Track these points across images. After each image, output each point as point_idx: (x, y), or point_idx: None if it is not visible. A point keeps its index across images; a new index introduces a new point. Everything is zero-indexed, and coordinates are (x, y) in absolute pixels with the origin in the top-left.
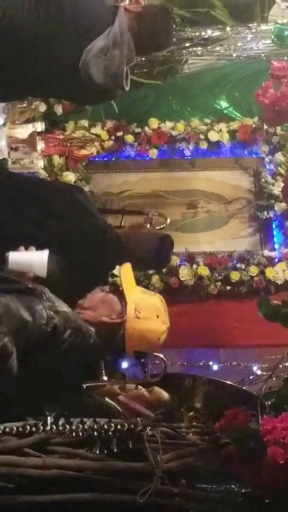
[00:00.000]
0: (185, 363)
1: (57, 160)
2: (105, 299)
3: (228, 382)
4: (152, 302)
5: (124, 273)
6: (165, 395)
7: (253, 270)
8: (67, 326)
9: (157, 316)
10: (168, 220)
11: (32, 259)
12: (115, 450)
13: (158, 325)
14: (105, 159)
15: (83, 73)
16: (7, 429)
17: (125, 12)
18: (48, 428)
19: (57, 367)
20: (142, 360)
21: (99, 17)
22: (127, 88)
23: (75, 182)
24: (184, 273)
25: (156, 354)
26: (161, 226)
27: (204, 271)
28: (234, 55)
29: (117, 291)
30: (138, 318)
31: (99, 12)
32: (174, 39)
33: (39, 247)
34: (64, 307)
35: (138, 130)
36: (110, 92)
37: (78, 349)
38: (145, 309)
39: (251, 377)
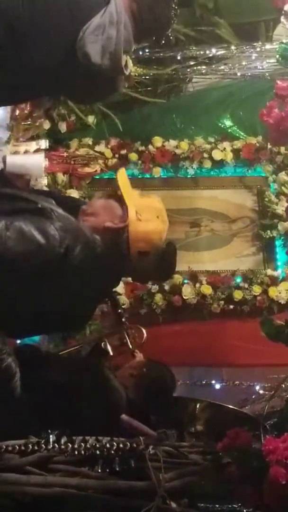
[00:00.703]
0: (188, 382)
1: (61, 177)
2: (107, 205)
3: (230, 406)
4: (151, 203)
5: (121, 178)
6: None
7: (256, 289)
8: (78, 242)
9: (157, 217)
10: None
11: (29, 161)
12: (117, 469)
13: (159, 225)
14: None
15: (80, 53)
16: (9, 447)
17: None
18: (50, 446)
19: (72, 287)
20: None
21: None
22: (126, 73)
23: None
24: (187, 292)
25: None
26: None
27: (207, 290)
28: (239, 74)
29: (117, 196)
30: (139, 220)
31: None
32: (174, 22)
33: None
34: (72, 220)
35: (142, 148)
36: (112, 80)
37: (88, 262)
38: (145, 211)
39: (253, 397)
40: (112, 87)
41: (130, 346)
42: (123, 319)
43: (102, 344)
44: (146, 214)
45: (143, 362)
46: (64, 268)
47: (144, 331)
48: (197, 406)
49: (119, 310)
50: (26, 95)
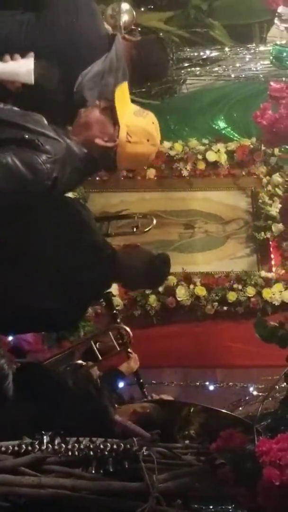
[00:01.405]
0: (182, 383)
1: None
2: (100, 119)
3: (223, 411)
4: (143, 126)
5: (120, 93)
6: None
7: (250, 291)
8: (65, 171)
9: (148, 140)
10: (154, 221)
11: (18, 66)
12: (111, 470)
13: (148, 148)
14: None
15: (78, 96)
16: (3, 448)
17: (124, 41)
18: (44, 447)
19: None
20: None
21: (95, 46)
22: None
23: None
24: (181, 293)
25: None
26: (148, 228)
27: (201, 291)
28: (233, 75)
29: (110, 112)
30: (129, 142)
31: (94, 41)
32: (170, 70)
33: (35, 259)
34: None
35: None
36: None
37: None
38: (136, 134)
39: (247, 398)
40: None
41: (118, 348)
42: (118, 320)
43: (97, 344)
44: (136, 136)
45: (150, 405)
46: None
47: (129, 330)
48: (191, 411)
49: (114, 311)
50: None
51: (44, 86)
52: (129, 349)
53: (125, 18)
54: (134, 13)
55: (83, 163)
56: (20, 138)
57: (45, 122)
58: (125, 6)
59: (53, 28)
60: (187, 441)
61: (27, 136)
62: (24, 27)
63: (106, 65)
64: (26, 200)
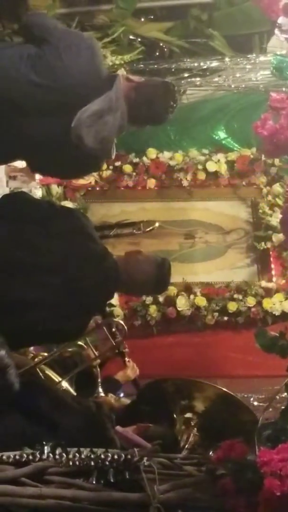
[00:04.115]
0: None
1: (56, 189)
2: None
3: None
4: None
5: None
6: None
7: (251, 301)
8: None
9: None
10: (157, 224)
11: None
12: (112, 480)
13: None
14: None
15: (75, 134)
16: (4, 458)
17: (126, 81)
18: (45, 457)
19: None
20: None
21: (94, 84)
22: (113, 157)
23: None
24: (182, 303)
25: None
26: (150, 228)
27: (201, 301)
28: (233, 86)
29: None
30: None
31: (94, 80)
32: (171, 116)
33: (37, 271)
34: None
35: (136, 160)
36: (96, 160)
37: None
38: None
39: None
40: (94, 166)
41: (113, 343)
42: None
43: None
44: None
45: (148, 426)
46: None
47: (123, 323)
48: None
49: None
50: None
51: None
52: (126, 358)
53: None
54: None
55: None
56: None
57: None
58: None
59: (54, 64)
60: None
61: None
62: (24, 60)
63: (105, 105)
64: None
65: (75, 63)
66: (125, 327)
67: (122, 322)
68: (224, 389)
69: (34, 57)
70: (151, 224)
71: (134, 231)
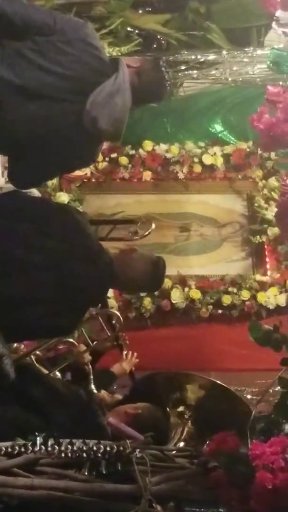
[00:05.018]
0: None
1: (51, 180)
2: None
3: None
4: None
5: None
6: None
7: (245, 294)
8: None
9: None
10: (153, 226)
11: None
12: (104, 472)
13: None
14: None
15: (88, 118)
16: None
17: (127, 67)
18: (37, 448)
19: None
20: None
21: (100, 69)
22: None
23: (68, 203)
24: (176, 296)
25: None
26: (148, 232)
27: (196, 294)
28: (230, 79)
29: None
30: None
31: (100, 64)
32: (168, 90)
33: (32, 269)
34: None
35: (132, 152)
36: (96, 148)
37: None
38: None
39: None
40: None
41: (109, 333)
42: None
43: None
44: None
45: (142, 405)
46: None
47: (119, 314)
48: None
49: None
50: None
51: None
52: (124, 351)
53: None
54: None
55: None
56: None
57: None
58: None
59: (63, 52)
60: (180, 444)
61: None
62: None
63: (115, 86)
64: None
65: (83, 49)
66: (121, 318)
67: (118, 313)
68: (218, 381)
69: (40, 44)
70: (147, 226)
71: (130, 235)
